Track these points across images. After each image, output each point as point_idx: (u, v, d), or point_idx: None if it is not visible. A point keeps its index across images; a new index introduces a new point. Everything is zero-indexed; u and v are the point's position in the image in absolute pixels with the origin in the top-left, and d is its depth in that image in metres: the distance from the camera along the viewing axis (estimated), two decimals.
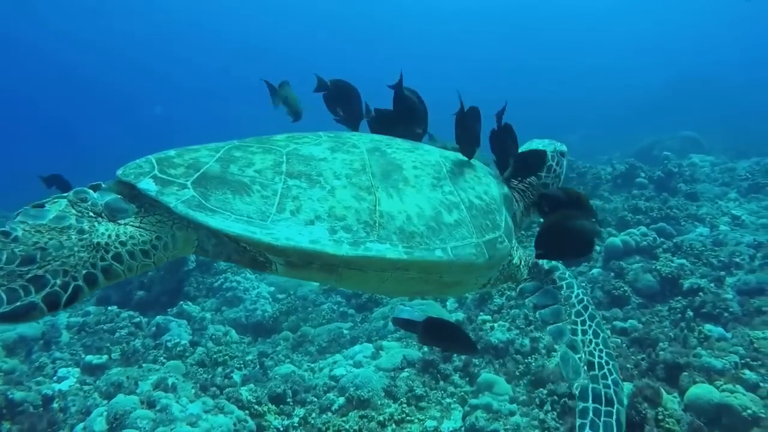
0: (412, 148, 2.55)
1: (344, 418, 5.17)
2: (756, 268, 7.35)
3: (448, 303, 7.55)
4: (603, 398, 2.36)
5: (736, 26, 47.76)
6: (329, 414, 5.42)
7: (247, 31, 57.95)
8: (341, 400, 5.59)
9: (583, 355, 2.48)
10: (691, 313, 6.21)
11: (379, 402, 5.43)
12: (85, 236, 1.79)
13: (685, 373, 4.93)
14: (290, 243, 1.93)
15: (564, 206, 2.62)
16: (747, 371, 4.86)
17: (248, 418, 5.21)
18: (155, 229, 1.97)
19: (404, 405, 5.32)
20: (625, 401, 2.45)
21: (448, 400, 5.49)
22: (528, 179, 3.06)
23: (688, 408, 4.51)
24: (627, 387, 4.48)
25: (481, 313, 6.94)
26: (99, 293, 8.48)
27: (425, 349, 6.16)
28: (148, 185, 1.95)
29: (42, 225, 1.76)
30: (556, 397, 5.01)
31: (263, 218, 1.96)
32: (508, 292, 7.11)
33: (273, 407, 5.55)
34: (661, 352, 5.33)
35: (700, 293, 6.59)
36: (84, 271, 1.74)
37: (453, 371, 5.83)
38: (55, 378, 6.38)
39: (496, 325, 6.46)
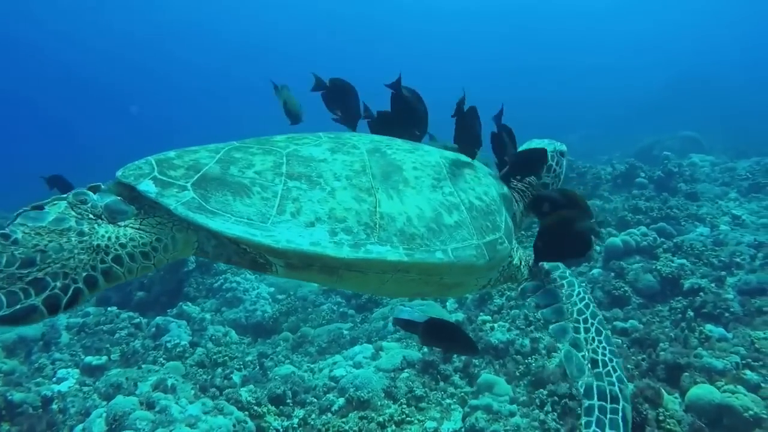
0: (412, 148, 2.54)
1: (344, 419, 5.16)
2: (757, 268, 7.34)
3: (448, 303, 7.54)
4: (608, 395, 2.36)
5: (736, 26, 47.79)
6: (329, 415, 5.42)
7: (247, 31, 57.99)
8: (341, 400, 5.58)
9: (587, 353, 2.49)
10: (691, 314, 6.20)
11: (378, 403, 5.42)
12: (85, 238, 1.78)
13: (686, 374, 4.92)
14: (291, 245, 1.92)
15: (559, 207, 2.60)
16: (748, 372, 4.84)
17: (248, 419, 5.20)
18: (155, 231, 1.96)
19: (404, 406, 5.31)
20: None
21: (448, 400, 5.48)
22: (528, 179, 3.06)
23: (689, 409, 4.50)
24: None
25: (481, 314, 6.93)
26: (99, 294, 8.47)
27: (425, 349, 6.16)
28: (148, 187, 1.94)
29: (42, 227, 1.75)
30: (556, 398, 5.00)
31: (263, 220, 1.95)
32: (508, 293, 7.10)
33: (272, 408, 5.54)
34: (662, 353, 5.31)
35: (701, 293, 6.58)
36: (84, 274, 1.73)
37: (453, 372, 5.83)
38: (54, 379, 6.38)
39: (496, 325, 6.45)
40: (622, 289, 6.98)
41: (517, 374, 5.67)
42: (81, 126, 48.03)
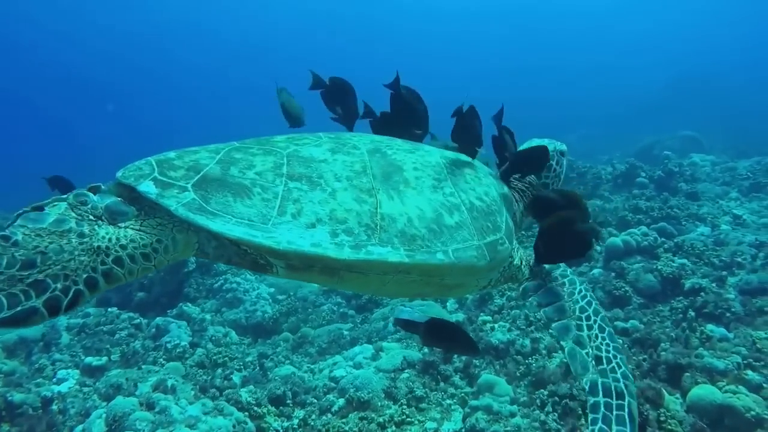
0: (412, 149, 2.54)
1: (344, 420, 5.16)
2: (758, 268, 7.32)
3: (448, 304, 7.54)
4: (613, 392, 2.36)
5: (736, 26, 47.79)
6: (329, 415, 5.41)
7: (246, 31, 57.99)
8: (341, 401, 5.57)
9: (591, 350, 2.49)
10: (692, 314, 6.19)
11: (379, 403, 5.41)
12: (85, 240, 1.78)
13: (687, 374, 4.91)
14: (291, 247, 1.91)
15: (558, 208, 2.60)
16: (750, 372, 4.83)
17: (248, 420, 5.19)
18: (156, 232, 1.95)
19: (404, 406, 5.31)
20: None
21: (448, 401, 5.48)
22: (528, 178, 3.06)
23: (690, 409, 4.50)
24: None
25: (481, 314, 6.92)
26: (99, 295, 8.47)
27: (425, 350, 6.15)
28: (148, 188, 1.93)
29: (42, 229, 1.74)
30: (557, 398, 4.99)
31: (264, 221, 1.95)
32: (509, 293, 7.10)
33: (272, 409, 5.54)
34: (663, 353, 5.30)
35: (702, 293, 6.57)
36: (85, 275, 1.72)
37: (453, 372, 5.82)
38: (54, 380, 6.37)
39: (496, 325, 6.44)
40: (622, 289, 6.97)
41: (518, 375, 5.66)
42: (81, 126, 48.07)
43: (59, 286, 1.65)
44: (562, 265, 2.80)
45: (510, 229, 2.57)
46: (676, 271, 7.08)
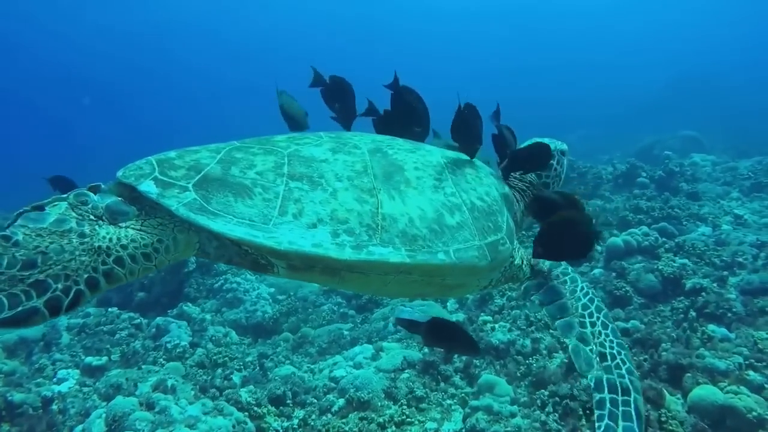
0: (413, 148, 2.53)
1: (344, 420, 5.15)
2: (759, 268, 7.32)
3: (448, 304, 7.53)
4: (619, 388, 2.37)
5: (736, 26, 47.78)
6: (329, 416, 5.40)
7: (247, 31, 57.96)
8: (341, 401, 5.56)
9: (595, 347, 2.50)
10: (693, 314, 6.19)
11: (379, 403, 5.41)
12: (86, 240, 1.77)
13: (689, 374, 4.89)
14: (293, 247, 1.91)
15: (557, 208, 2.60)
16: (751, 372, 4.82)
17: (248, 420, 5.19)
18: (156, 232, 1.95)
19: (404, 406, 5.30)
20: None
21: (448, 401, 5.47)
22: (528, 178, 3.05)
23: (691, 410, 4.49)
24: None
25: (481, 314, 6.92)
26: (100, 295, 8.47)
27: (425, 350, 6.15)
28: (149, 187, 1.92)
29: (42, 228, 1.74)
30: (557, 399, 4.98)
31: (265, 221, 1.94)
32: (509, 293, 7.09)
33: (272, 409, 5.53)
34: (664, 353, 5.29)
35: (703, 293, 6.56)
36: (85, 275, 1.72)
37: (453, 372, 5.81)
38: (54, 380, 6.37)
39: (497, 325, 6.44)
40: (623, 289, 6.96)
41: (518, 375, 5.66)
42: (80, 126, 48.07)
43: (60, 286, 1.65)
44: (563, 263, 2.80)
45: (511, 229, 2.56)
46: (677, 271, 7.07)
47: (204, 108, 52.93)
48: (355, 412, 5.27)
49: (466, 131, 2.62)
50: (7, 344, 7.07)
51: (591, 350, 2.49)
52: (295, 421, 5.40)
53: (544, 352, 5.96)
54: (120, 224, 1.91)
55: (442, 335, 2.80)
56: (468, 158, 2.67)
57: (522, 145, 3.05)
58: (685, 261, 7.38)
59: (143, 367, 6.48)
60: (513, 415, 4.99)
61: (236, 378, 6.26)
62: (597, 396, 2.37)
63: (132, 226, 1.92)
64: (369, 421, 5.06)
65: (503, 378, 5.55)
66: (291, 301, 8.54)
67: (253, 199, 1.99)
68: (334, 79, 3.13)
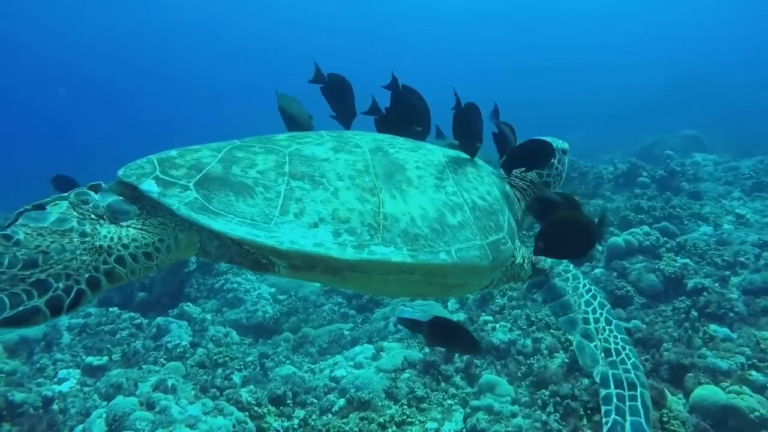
0: (414, 147, 2.53)
1: (344, 420, 5.14)
2: (761, 268, 7.28)
3: (449, 303, 7.52)
4: (625, 383, 2.37)
5: (736, 26, 47.76)
6: (329, 416, 5.39)
7: (247, 31, 57.96)
8: (342, 401, 5.56)
9: (599, 343, 2.50)
10: (695, 313, 6.17)
11: (379, 403, 5.40)
12: (87, 239, 1.76)
13: (690, 374, 4.88)
14: (294, 247, 1.90)
15: (558, 208, 2.59)
16: (754, 372, 4.80)
17: (248, 420, 5.18)
18: (158, 232, 1.94)
19: (405, 406, 5.29)
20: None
21: (449, 401, 5.46)
22: (529, 177, 3.04)
23: (693, 410, 4.47)
24: None
25: (482, 314, 6.91)
26: (100, 295, 8.47)
27: (426, 349, 6.14)
28: (150, 187, 1.92)
29: (43, 228, 1.73)
30: (558, 399, 4.97)
31: (267, 221, 1.93)
32: (510, 293, 7.09)
33: (273, 409, 5.52)
34: (666, 353, 5.28)
35: (705, 293, 6.55)
36: (87, 275, 1.71)
37: (454, 372, 5.80)
38: (55, 379, 6.36)
39: (497, 325, 6.43)
40: (624, 289, 6.95)
41: (519, 375, 5.64)
42: (80, 126, 48.08)
43: (61, 285, 1.64)
44: (565, 261, 2.80)
45: (512, 229, 2.56)
46: (679, 271, 7.06)
47: (204, 108, 52.98)
48: (356, 412, 5.26)
49: (466, 130, 2.61)
50: (8, 344, 7.07)
51: (595, 346, 2.50)
52: (296, 421, 5.39)
53: (545, 352, 5.95)
54: (121, 223, 1.90)
55: (444, 334, 2.80)
56: (469, 157, 2.66)
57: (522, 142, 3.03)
58: (687, 261, 7.36)
59: (144, 366, 6.48)
60: (514, 415, 4.98)
61: (237, 378, 6.25)
62: (603, 392, 2.37)
63: (133, 225, 1.92)
64: (369, 421, 5.05)
65: (504, 378, 5.54)
66: (292, 301, 8.53)
67: (254, 198, 1.98)
68: (332, 77, 3.12)
